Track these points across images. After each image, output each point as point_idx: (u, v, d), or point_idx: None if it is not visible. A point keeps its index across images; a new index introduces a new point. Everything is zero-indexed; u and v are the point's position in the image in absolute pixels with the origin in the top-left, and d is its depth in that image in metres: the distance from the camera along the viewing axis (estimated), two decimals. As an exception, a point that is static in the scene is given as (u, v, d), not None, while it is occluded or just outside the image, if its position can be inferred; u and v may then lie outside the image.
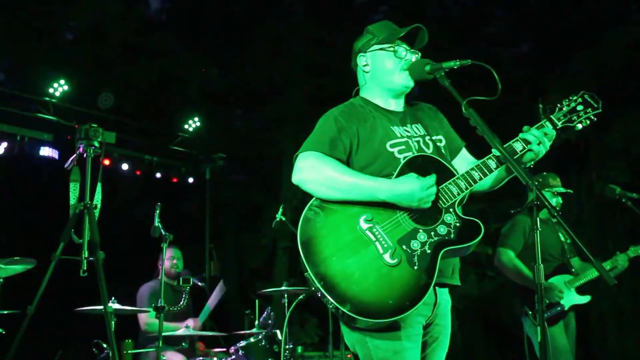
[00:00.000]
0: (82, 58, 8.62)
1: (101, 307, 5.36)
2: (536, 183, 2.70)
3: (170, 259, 6.99)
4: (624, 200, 5.50)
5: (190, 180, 9.78)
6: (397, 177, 2.95)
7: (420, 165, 2.99)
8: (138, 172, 9.05)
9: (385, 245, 2.83)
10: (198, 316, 6.80)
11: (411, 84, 3.20)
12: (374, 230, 2.86)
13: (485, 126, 2.87)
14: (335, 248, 2.84)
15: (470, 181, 2.98)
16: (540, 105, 3.17)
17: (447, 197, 2.94)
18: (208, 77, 10.84)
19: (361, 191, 2.89)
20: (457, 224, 2.92)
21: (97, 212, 4.72)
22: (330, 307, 2.78)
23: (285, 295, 6.73)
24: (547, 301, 5.37)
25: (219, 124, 10.60)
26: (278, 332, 6.45)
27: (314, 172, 2.96)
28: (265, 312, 6.58)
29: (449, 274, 3.05)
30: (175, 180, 9.63)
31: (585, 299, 5.49)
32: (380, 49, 3.22)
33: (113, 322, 5.41)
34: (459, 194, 2.96)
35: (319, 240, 2.86)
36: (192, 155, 9.78)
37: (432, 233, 2.88)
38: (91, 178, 4.78)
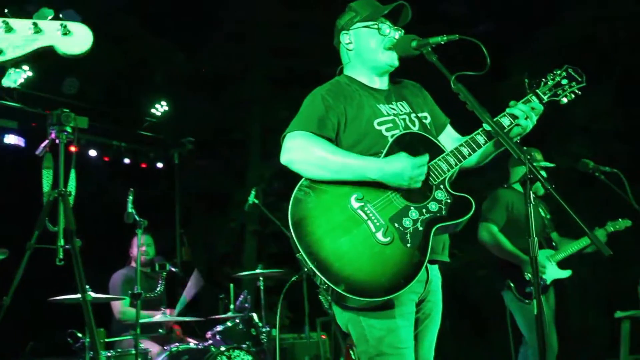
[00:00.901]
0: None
1: (75, 295, 5.29)
2: (528, 157, 2.69)
3: (139, 245, 6.88)
4: (597, 174, 5.55)
5: (159, 165, 9.66)
6: (386, 155, 2.93)
7: (408, 142, 2.98)
8: (106, 158, 8.91)
9: (378, 224, 2.81)
10: (172, 304, 6.73)
11: (396, 62, 3.18)
12: (366, 209, 2.84)
13: (475, 101, 2.87)
14: (327, 228, 2.81)
15: (460, 157, 2.98)
16: (526, 80, 3.18)
17: (437, 173, 2.93)
18: (174, 61, 10.66)
19: (351, 171, 2.86)
20: (448, 201, 2.91)
21: (71, 199, 4.60)
22: (324, 287, 2.76)
23: (261, 278, 6.70)
24: (529, 276, 5.40)
25: (186, 108, 10.44)
26: (254, 315, 6.43)
27: (303, 152, 2.92)
28: (242, 296, 6.55)
29: (439, 251, 3.05)
30: (144, 165, 9.50)
31: (566, 273, 5.53)
32: (364, 27, 3.18)
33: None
34: (448, 171, 2.95)
35: (310, 220, 2.83)
36: (160, 140, 9.65)
37: (424, 210, 2.88)
38: (64, 164, 4.66)
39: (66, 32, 2.19)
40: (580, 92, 3.19)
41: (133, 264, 6.89)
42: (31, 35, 2.16)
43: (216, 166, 13.20)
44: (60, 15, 2.22)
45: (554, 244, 5.65)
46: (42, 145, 4.69)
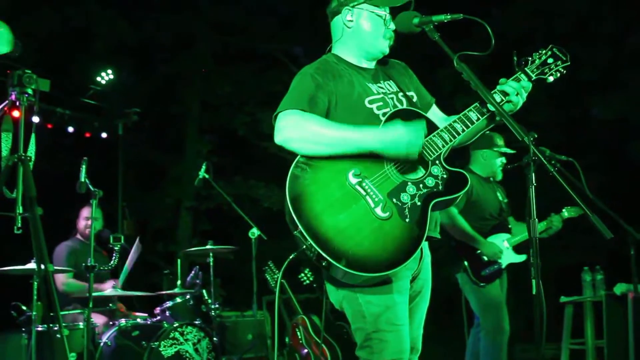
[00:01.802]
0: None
1: (29, 266, 5.08)
2: (531, 139, 2.71)
3: (85, 219, 6.67)
4: (552, 162, 5.65)
5: (104, 135, 9.36)
6: None
7: (403, 118, 2.95)
8: (49, 126, 8.57)
9: (376, 199, 2.79)
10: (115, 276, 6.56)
11: (387, 51, 3.18)
12: (364, 184, 2.81)
13: (479, 81, 2.87)
14: (325, 204, 2.77)
15: (454, 133, 2.98)
16: (515, 58, 3.21)
17: (432, 149, 2.93)
18: (117, 29, 10.35)
19: (348, 143, 2.83)
20: (444, 176, 2.92)
21: (31, 165, 4.38)
22: (324, 264, 2.72)
23: (211, 254, 6.60)
24: (486, 259, 5.48)
25: (131, 78, 10.15)
26: (204, 291, 6.34)
27: (297, 129, 2.86)
28: (193, 272, 6.45)
29: (432, 227, 3.04)
30: (88, 135, 9.19)
31: (521, 258, 5.62)
32: (371, 11, 3.14)
33: (36, 283, 5.12)
34: (443, 146, 2.96)
35: (308, 197, 2.78)
36: (104, 109, 9.34)
37: (421, 185, 2.87)
38: (24, 128, 4.43)
39: None
40: (565, 71, 3.24)
41: (78, 236, 6.68)
42: None
43: (153, 139, 12.95)
44: None
45: (510, 226, 5.73)
46: (0, 106, 4.45)
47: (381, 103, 3.06)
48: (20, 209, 4.29)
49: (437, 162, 2.93)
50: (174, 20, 12.26)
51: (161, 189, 13.10)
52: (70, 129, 8.82)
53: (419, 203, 2.83)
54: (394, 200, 2.80)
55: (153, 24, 11.81)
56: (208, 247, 6.56)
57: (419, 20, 2.99)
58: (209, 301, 6.30)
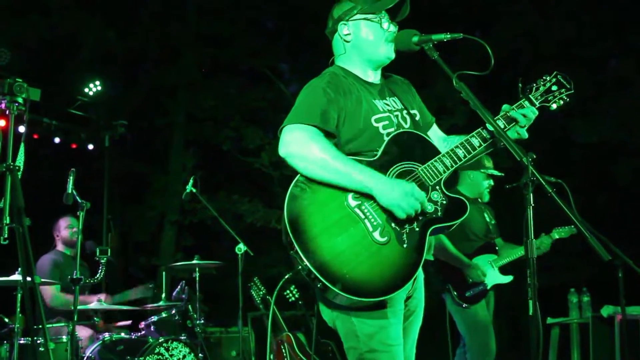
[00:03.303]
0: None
1: (14, 277, 5.00)
2: (530, 159, 2.71)
3: (69, 228, 6.59)
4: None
5: (90, 146, 9.28)
6: (382, 152, 2.91)
7: (405, 142, 2.95)
8: (35, 136, 8.48)
9: (375, 223, 2.77)
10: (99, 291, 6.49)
11: (393, 55, 3.13)
12: (363, 207, 2.79)
13: (478, 101, 2.86)
14: (323, 226, 2.74)
15: (455, 159, 2.96)
16: (520, 85, 3.20)
17: (433, 174, 2.91)
18: (105, 39, 10.29)
19: (350, 181, 2.78)
20: (444, 202, 2.90)
21: (19, 175, 4.32)
22: (319, 285, 2.69)
23: (197, 269, 6.54)
24: (471, 280, 5.47)
25: (116, 89, 10.09)
26: (190, 307, 6.28)
27: (303, 148, 2.82)
28: (179, 286, 6.39)
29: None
30: (74, 146, 9.11)
31: (507, 279, 5.62)
32: (365, 19, 3.12)
33: (19, 295, 5.04)
34: (444, 172, 2.93)
35: (306, 217, 2.75)
36: (92, 120, 9.27)
37: None
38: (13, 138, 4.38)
39: None
40: (568, 99, 3.22)
41: (59, 248, 6.59)
42: None
43: (138, 151, 12.87)
44: None
45: (497, 248, 5.73)
46: (-10, 115, 4.40)
47: (387, 122, 3.03)
48: (7, 219, 4.23)
49: (437, 187, 2.91)
50: (160, 32, 12.24)
51: (145, 202, 13.00)
52: (57, 140, 8.76)
53: (417, 228, 2.81)
54: (393, 225, 2.78)
55: (140, 35, 11.77)
56: (194, 262, 6.50)
57: (418, 39, 2.99)
58: (194, 316, 6.24)
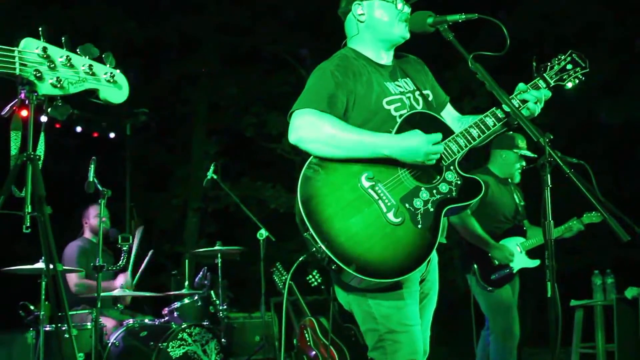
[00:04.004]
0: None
1: (37, 266, 5.06)
2: (547, 140, 2.68)
3: (98, 217, 6.65)
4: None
5: (112, 135, 9.36)
6: (395, 133, 2.89)
7: (418, 122, 2.93)
8: (57, 125, 8.56)
9: (389, 204, 2.76)
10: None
11: (408, 35, 3.12)
12: (376, 188, 2.79)
13: (494, 82, 2.83)
14: (337, 207, 2.75)
15: (470, 138, 2.95)
16: (534, 64, 3.17)
17: (447, 154, 2.90)
18: (125, 29, 10.34)
19: (364, 148, 2.80)
20: (458, 182, 2.89)
21: (40, 164, 4.36)
22: (333, 267, 2.69)
23: (219, 255, 6.57)
24: (497, 262, 5.40)
25: (137, 78, 10.14)
26: (213, 293, 6.31)
27: (313, 130, 2.83)
28: (201, 273, 6.42)
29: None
30: (95, 134, 9.19)
31: (534, 263, 5.51)
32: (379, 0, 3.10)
33: (44, 283, 5.11)
34: (459, 152, 2.92)
35: (320, 199, 2.76)
36: (113, 109, 9.32)
37: (434, 191, 2.85)
38: (33, 127, 4.41)
39: (111, 80, 2.41)
40: (583, 78, 3.19)
41: (86, 235, 6.66)
42: (84, 75, 2.34)
43: (160, 140, 12.94)
44: (104, 58, 2.34)
45: (524, 228, 5.64)
46: (9, 105, 4.43)
47: (399, 104, 3.02)
48: (29, 208, 4.26)
49: (452, 167, 2.90)
50: (181, 21, 12.25)
51: (168, 190, 13.09)
52: (79, 129, 8.83)
53: (431, 209, 2.80)
54: (407, 205, 2.78)
55: (160, 25, 11.79)
56: (216, 248, 6.53)
57: (433, 20, 2.97)
58: (217, 302, 6.27)
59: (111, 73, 2.24)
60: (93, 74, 2.21)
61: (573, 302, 6.74)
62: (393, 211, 2.74)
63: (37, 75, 2.22)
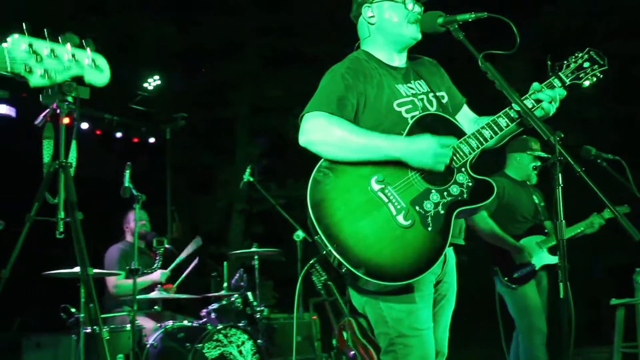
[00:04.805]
0: (37, 14, 8.20)
1: (73, 270, 5.20)
2: (558, 139, 2.65)
3: (137, 220, 6.80)
4: (599, 161, 5.53)
5: (151, 140, 9.54)
6: (406, 135, 2.89)
7: (429, 124, 2.92)
8: (98, 132, 8.78)
9: (399, 207, 2.76)
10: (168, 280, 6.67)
11: (419, 36, 3.11)
12: (386, 191, 2.79)
13: (504, 81, 2.81)
14: (346, 210, 2.76)
15: (482, 140, 2.92)
16: (549, 63, 3.13)
17: (459, 156, 2.88)
18: (165, 35, 10.49)
19: (374, 150, 2.81)
20: (470, 184, 2.87)
21: (72, 171, 4.49)
22: (343, 270, 2.71)
23: (256, 257, 6.64)
24: (518, 261, 5.42)
25: (178, 83, 10.30)
26: (250, 294, 6.38)
27: (323, 132, 2.85)
28: (237, 274, 6.49)
29: (456, 234, 3.01)
30: (135, 140, 9.39)
31: (556, 259, 5.53)
32: (388, 0, 3.10)
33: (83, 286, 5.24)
34: (470, 153, 2.90)
35: (329, 202, 2.78)
36: (152, 114, 9.52)
37: (445, 193, 2.83)
38: (65, 135, 4.54)
39: (93, 65, 2.56)
40: (602, 76, 3.14)
41: (128, 238, 6.81)
42: (69, 63, 2.47)
43: (204, 143, 13.09)
44: (84, 44, 2.50)
45: (546, 230, 5.64)
46: (42, 114, 4.57)
47: (410, 106, 3.01)
48: (62, 214, 4.40)
49: (463, 169, 2.88)
50: (221, 25, 12.36)
51: (212, 192, 13.24)
52: (119, 135, 9.02)
53: (442, 211, 2.79)
54: (417, 208, 2.77)
55: (201, 29, 11.92)
56: (253, 249, 6.60)
57: (443, 20, 2.95)
58: (254, 303, 6.33)
59: (93, 58, 2.42)
60: (76, 61, 2.40)
61: (614, 301, 6.59)
62: (403, 214, 2.74)
63: (27, 69, 2.39)
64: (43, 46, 2.39)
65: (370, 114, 2.97)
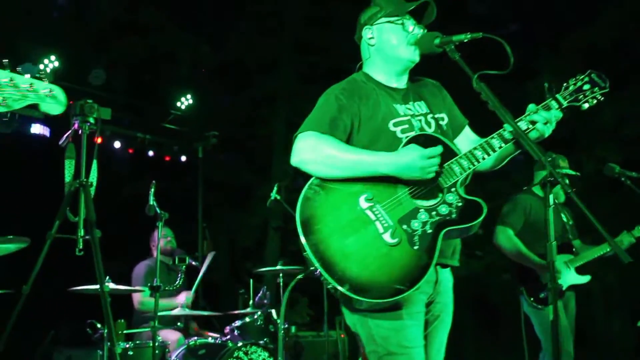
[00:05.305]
0: (72, 34, 8.46)
1: (95, 286, 5.32)
2: (549, 159, 2.64)
3: (164, 237, 6.93)
4: (623, 178, 5.46)
5: (183, 158, 9.71)
6: None
7: (422, 144, 2.92)
8: (130, 150, 8.97)
9: (386, 225, 2.79)
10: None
11: (417, 58, 3.13)
12: (374, 209, 2.82)
13: (497, 101, 2.82)
14: (334, 227, 2.80)
15: (473, 160, 2.92)
16: (546, 84, 3.12)
17: (449, 176, 2.89)
18: (199, 53, 10.68)
19: (362, 167, 2.85)
20: (459, 204, 2.87)
21: (92, 190, 4.62)
22: (329, 287, 2.74)
23: (281, 275, 6.69)
24: (545, 281, 5.33)
25: (211, 101, 10.46)
26: (273, 311, 6.42)
27: (313, 152, 2.91)
28: (261, 292, 6.54)
29: (449, 255, 3.02)
30: (167, 158, 9.56)
31: (584, 279, 5.46)
32: (388, 22, 3.14)
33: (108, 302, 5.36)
34: (461, 174, 2.90)
35: (318, 219, 2.82)
36: (184, 133, 9.68)
37: (433, 213, 2.84)
38: (86, 155, 4.68)
39: (50, 95, 2.60)
40: (602, 98, 3.10)
41: (154, 255, 6.94)
42: (26, 92, 2.55)
43: (240, 161, 13.22)
44: (40, 75, 2.58)
45: (574, 250, 5.56)
46: (65, 135, 4.72)
47: (406, 126, 3.03)
48: (81, 232, 4.53)
49: (453, 189, 2.89)
50: (257, 43, 12.52)
51: (249, 209, 13.35)
52: (150, 153, 9.20)
53: (429, 230, 2.80)
54: (404, 226, 2.79)
55: (237, 47, 12.09)
56: (278, 267, 6.66)
57: (440, 41, 2.97)
58: (278, 321, 6.37)
59: (50, 89, 2.56)
60: (34, 91, 2.55)
61: (640, 323, 6.48)
62: (390, 232, 2.77)
63: None
64: (3, 75, 2.56)
65: (365, 133, 3.01)
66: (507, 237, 5.45)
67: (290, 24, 12.90)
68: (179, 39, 10.29)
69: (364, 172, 2.84)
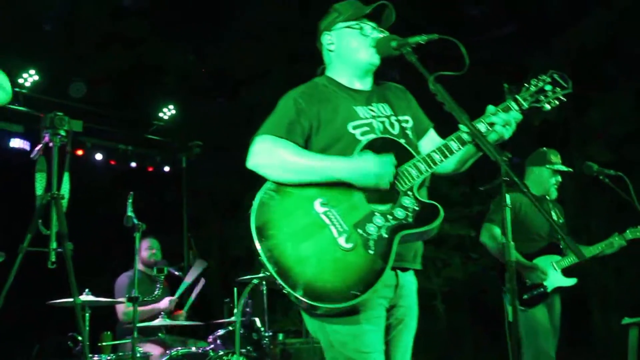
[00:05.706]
0: (52, 46, 8.42)
1: (71, 299, 5.31)
2: (505, 159, 2.62)
3: (149, 249, 6.97)
4: (601, 177, 5.44)
5: (167, 169, 9.68)
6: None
7: (379, 147, 2.91)
8: (112, 162, 8.94)
9: (341, 229, 2.76)
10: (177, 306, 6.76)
11: (377, 61, 3.13)
12: (329, 213, 2.79)
13: (453, 102, 2.79)
14: (289, 232, 2.78)
15: (430, 163, 2.90)
16: (506, 85, 3.10)
17: (405, 179, 2.87)
18: (185, 63, 10.64)
19: (317, 172, 2.83)
20: (416, 208, 2.84)
21: (65, 203, 4.61)
22: (285, 292, 2.72)
23: (264, 283, 6.65)
24: (530, 282, 5.28)
25: (195, 111, 10.44)
26: (257, 319, 6.39)
27: (268, 156, 2.91)
28: (243, 300, 6.50)
29: (410, 258, 2.99)
30: (150, 169, 9.53)
31: (571, 282, 5.37)
32: (346, 27, 3.14)
33: (88, 314, 5.36)
34: (418, 177, 2.88)
35: (273, 224, 2.80)
36: (167, 143, 9.66)
37: (389, 217, 2.81)
38: (58, 168, 4.67)
39: None
40: (565, 99, 3.08)
41: (139, 267, 6.92)
42: None
43: (227, 170, 13.18)
44: None
45: (562, 249, 5.49)
46: (37, 148, 4.71)
47: (367, 128, 3.01)
48: (53, 245, 4.52)
49: (410, 193, 2.86)
50: (247, 52, 12.48)
51: (238, 218, 13.31)
52: (133, 164, 9.17)
53: (385, 235, 2.78)
54: (360, 231, 2.77)
55: (226, 57, 12.04)
56: (260, 275, 6.62)
57: (396, 44, 2.96)
58: (262, 329, 6.35)
59: None
60: None
61: (625, 320, 6.44)
62: (345, 237, 2.74)
63: None
64: None
65: (324, 136, 2.99)
66: (491, 235, 5.36)
67: (278, 33, 12.87)
68: (162, 49, 10.24)
69: (318, 177, 2.83)
